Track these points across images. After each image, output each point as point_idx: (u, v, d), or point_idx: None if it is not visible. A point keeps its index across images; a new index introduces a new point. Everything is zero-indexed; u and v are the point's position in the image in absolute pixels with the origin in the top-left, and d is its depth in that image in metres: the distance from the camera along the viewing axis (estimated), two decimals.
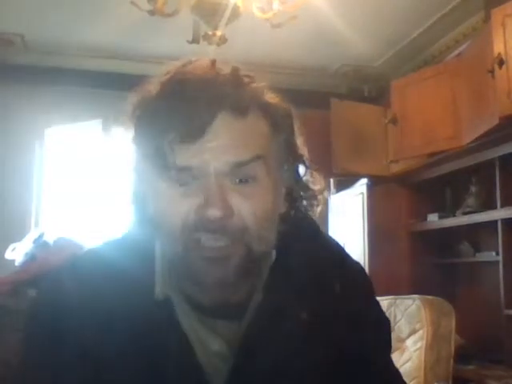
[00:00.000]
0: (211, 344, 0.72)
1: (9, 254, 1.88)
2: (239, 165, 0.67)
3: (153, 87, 0.71)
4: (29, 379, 0.73)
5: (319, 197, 0.80)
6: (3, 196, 4.04)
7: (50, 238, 1.83)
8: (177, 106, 0.66)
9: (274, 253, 0.76)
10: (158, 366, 0.69)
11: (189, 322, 0.72)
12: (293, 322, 0.72)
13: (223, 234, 0.66)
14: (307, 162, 0.79)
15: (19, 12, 3.59)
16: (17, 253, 1.84)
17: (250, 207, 0.67)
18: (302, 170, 0.79)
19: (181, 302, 0.72)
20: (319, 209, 0.80)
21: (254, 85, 0.72)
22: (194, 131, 0.65)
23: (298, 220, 0.79)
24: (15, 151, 4.12)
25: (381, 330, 0.86)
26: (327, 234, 0.88)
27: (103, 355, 0.69)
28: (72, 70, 4.16)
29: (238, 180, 0.67)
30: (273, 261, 0.75)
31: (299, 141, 0.77)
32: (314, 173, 0.79)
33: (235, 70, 0.71)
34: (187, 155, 0.66)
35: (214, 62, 0.71)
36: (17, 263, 1.83)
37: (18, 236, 1.97)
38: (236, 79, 0.70)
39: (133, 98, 0.72)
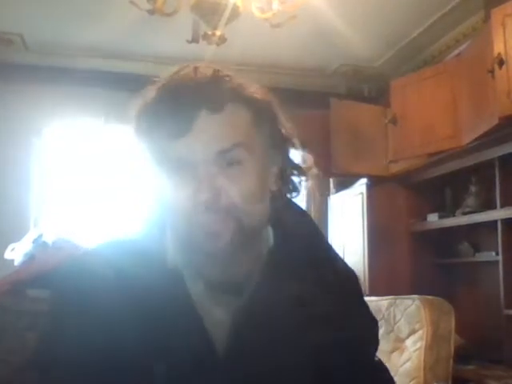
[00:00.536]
0: (215, 313, 0.82)
1: (8, 254, 1.87)
2: (222, 152, 0.78)
3: (150, 93, 0.83)
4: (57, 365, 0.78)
5: (308, 173, 0.91)
6: (2, 196, 4.04)
7: (49, 238, 1.83)
8: (168, 110, 0.78)
9: (271, 237, 0.87)
10: (167, 330, 0.78)
11: (196, 291, 0.82)
12: (288, 299, 0.82)
13: (216, 212, 0.77)
14: (296, 144, 0.89)
15: (19, 12, 3.59)
16: (16, 253, 1.84)
17: (237, 187, 0.78)
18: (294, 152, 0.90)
19: (189, 275, 0.83)
20: (310, 183, 0.91)
21: (233, 82, 0.82)
22: (182, 129, 0.77)
23: (294, 214, 0.91)
24: (14, 151, 4.11)
25: (371, 327, 0.94)
26: (317, 227, 0.97)
27: (117, 325, 0.76)
28: (72, 70, 4.16)
29: (224, 165, 0.78)
30: (271, 245, 0.87)
31: (286, 126, 0.87)
32: (304, 152, 0.91)
33: (215, 72, 0.82)
34: (178, 149, 0.78)
35: (196, 68, 0.83)
36: (16, 263, 1.83)
37: (17, 236, 1.96)
38: (215, 80, 0.81)
39: (135, 103, 0.84)
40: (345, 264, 0.94)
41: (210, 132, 0.78)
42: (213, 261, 0.80)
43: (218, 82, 0.81)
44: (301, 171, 0.89)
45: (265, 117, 0.83)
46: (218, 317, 0.82)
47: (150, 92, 0.82)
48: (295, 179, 0.89)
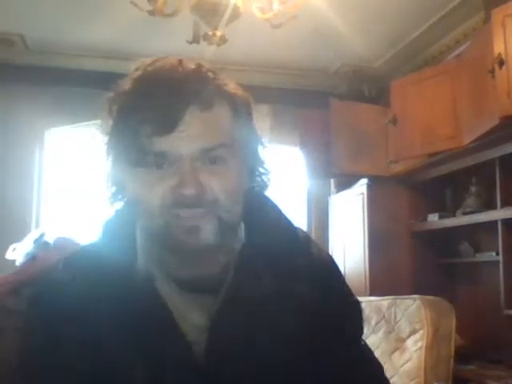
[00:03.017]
0: (190, 317, 0.81)
1: (9, 255, 1.88)
2: (207, 150, 0.77)
3: (126, 84, 0.80)
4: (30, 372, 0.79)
5: (273, 173, 0.92)
6: (4, 196, 4.04)
7: (50, 238, 1.83)
8: (151, 102, 0.75)
9: (243, 232, 0.86)
10: (146, 340, 0.77)
11: (169, 296, 0.80)
12: (262, 295, 0.82)
13: (198, 206, 0.76)
14: (264, 143, 0.89)
15: (19, 12, 3.59)
16: (17, 253, 1.84)
17: (220, 184, 0.77)
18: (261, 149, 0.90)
19: (161, 278, 0.81)
20: (273, 182, 0.91)
21: (218, 79, 0.81)
22: (168, 124, 0.75)
23: (263, 205, 0.90)
24: (15, 152, 4.12)
25: (353, 309, 0.94)
26: (290, 220, 0.94)
27: (95, 338, 0.76)
28: (72, 70, 4.16)
29: (208, 161, 0.77)
30: (243, 241, 0.85)
31: (258, 124, 0.88)
32: (268, 151, 0.90)
33: (199, 67, 0.80)
34: (164, 143, 0.75)
35: (181, 60, 0.80)
36: (17, 263, 1.84)
37: (18, 236, 1.97)
38: (201, 75, 0.79)
39: (109, 95, 0.81)
40: (320, 251, 0.93)
41: (196, 129, 0.76)
42: (187, 259, 0.78)
43: (204, 78, 0.79)
44: (268, 170, 0.90)
45: (243, 115, 0.83)
46: (193, 318, 0.81)
47: (125, 82, 0.80)
48: (264, 175, 0.90)
